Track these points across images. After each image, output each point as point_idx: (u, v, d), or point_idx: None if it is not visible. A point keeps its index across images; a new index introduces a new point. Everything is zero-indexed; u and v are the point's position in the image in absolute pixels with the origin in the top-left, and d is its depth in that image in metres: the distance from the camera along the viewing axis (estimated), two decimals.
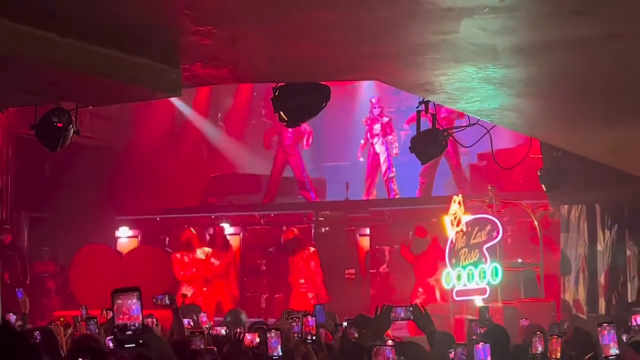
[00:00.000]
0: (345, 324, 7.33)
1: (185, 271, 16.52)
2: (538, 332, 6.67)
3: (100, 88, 6.19)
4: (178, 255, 16.66)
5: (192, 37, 5.50)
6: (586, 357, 5.43)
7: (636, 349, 6.51)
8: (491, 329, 7.46)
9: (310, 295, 15.69)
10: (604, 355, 5.24)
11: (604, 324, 5.20)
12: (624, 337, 7.42)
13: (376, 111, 18.46)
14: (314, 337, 6.36)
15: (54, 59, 5.42)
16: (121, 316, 3.16)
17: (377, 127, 18.43)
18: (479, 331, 7.72)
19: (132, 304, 3.17)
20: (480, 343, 5.49)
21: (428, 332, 5.79)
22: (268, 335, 5.92)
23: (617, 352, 5.14)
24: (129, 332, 3.15)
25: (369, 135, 18.56)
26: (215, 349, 6.13)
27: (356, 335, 6.82)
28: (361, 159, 18.97)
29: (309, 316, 6.47)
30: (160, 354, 3.33)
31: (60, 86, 6.07)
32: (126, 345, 3.16)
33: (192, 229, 17.11)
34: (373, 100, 18.51)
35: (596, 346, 6.42)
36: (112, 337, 3.25)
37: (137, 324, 3.15)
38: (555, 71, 6.32)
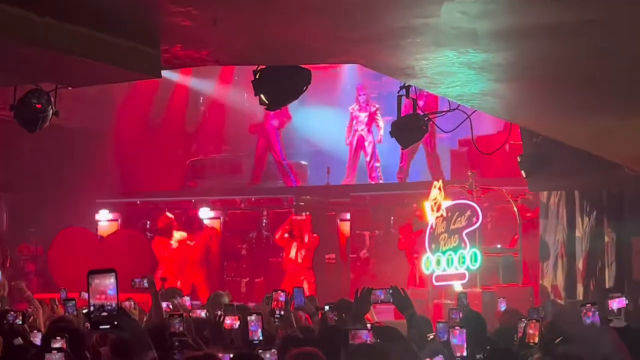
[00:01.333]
0: (327, 308, 7.35)
1: (166, 255, 16.52)
2: (523, 319, 6.72)
3: (79, 69, 6.15)
4: (160, 239, 16.66)
5: (172, 18, 5.47)
6: (556, 341, 5.47)
7: None
8: (467, 315, 7.51)
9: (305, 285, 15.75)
10: None
11: (587, 305, 5.26)
12: None
13: (362, 99, 18.42)
14: (281, 313, 6.37)
15: (32, 39, 5.37)
16: (97, 296, 3.15)
17: (363, 115, 18.41)
18: (458, 317, 7.77)
19: (109, 284, 3.17)
20: (457, 328, 5.54)
21: (407, 314, 5.82)
22: (248, 319, 5.92)
23: None
24: (105, 313, 3.14)
25: (354, 122, 18.54)
26: (187, 338, 6.10)
27: (335, 319, 6.85)
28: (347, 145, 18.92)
29: (279, 291, 6.47)
30: (134, 336, 3.33)
31: (38, 66, 6.02)
32: (101, 327, 3.16)
33: (168, 213, 17.08)
34: (363, 87, 18.48)
35: (574, 330, 6.47)
36: (87, 317, 3.25)
37: (113, 305, 3.15)
38: (534, 56, 6.34)
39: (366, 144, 18.42)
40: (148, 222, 18.64)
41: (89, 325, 3.32)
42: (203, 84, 20.50)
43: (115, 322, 3.15)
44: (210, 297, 10.09)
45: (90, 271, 3.18)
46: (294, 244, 16.31)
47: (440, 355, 5.07)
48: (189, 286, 16.22)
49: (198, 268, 16.95)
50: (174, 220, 16.91)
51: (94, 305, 3.13)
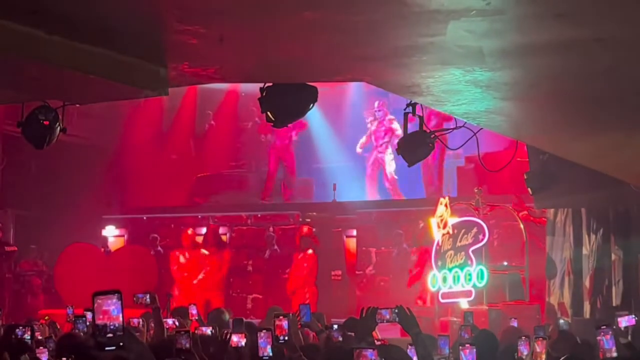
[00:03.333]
0: (335, 327, 7.31)
1: (182, 269, 16.48)
2: (524, 337, 6.71)
3: (87, 86, 6.18)
4: (177, 253, 16.57)
5: (180, 36, 5.50)
6: (562, 359, 5.45)
7: None
8: (479, 333, 7.49)
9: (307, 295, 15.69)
10: (600, 357, 5.26)
11: (603, 327, 5.23)
12: None
13: (379, 114, 18.34)
14: (285, 339, 6.37)
15: (40, 56, 5.40)
16: (101, 317, 3.18)
17: (381, 130, 18.34)
18: (466, 335, 7.75)
19: (113, 305, 3.20)
20: (467, 346, 5.52)
21: (412, 333, 5.80)
22: (258, 335, 5.91)
23: (616, 354, 5.17)
24: (110, 335, 3.17)
25: (373, 138, 18.43)
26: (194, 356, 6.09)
27: (340, 338, 6.82)
28: (363, 155, 18.78)
29: (281, 317, 6.46)
30: (139, 357, 3.35)
31: (46, 83, 6.06)
32: (107, 348, 3.19)
33: (190, 229, 17.05)
34: (376, 104, 18.41)
35: (578, 348, 6.46)
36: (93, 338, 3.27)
37: (116, 325, 3.18)
38: (541, 75, 6.35)
39: (387, 160, 18.35)
40: (158, 238, 18.61)
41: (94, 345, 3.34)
42: (210, 100, 20.57)
43: (121, 343, 3.18)
44: (210, 314, 10.09)
45: (95, 292, 3.22)
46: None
47: None
48: (204, 301, 16.12)
49: (214, 283, 16.89)
50: (194, 236, 16.85)
51: (98, 326, 3.16)
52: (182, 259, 16.52)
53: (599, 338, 5.26)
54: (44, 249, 17.95)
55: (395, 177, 18.11)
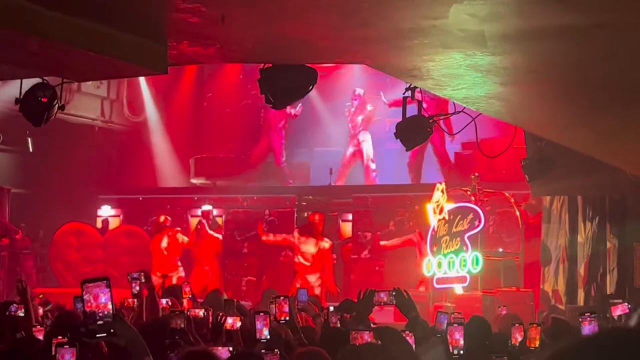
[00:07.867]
0: (332, 308, 7.31)
1: (174, 253, 16.42)
2: (517, 324, 6.72)
3: (86, 63, 6.15)
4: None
5: (181, 14, 5.47)
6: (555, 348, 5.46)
7: None
8: (472, 319, 7.50)
9: (315, 282, 15.54)
10: None
11: (586, 314, 5.23)
12: None
13: (356, 103, 18.46)
14: (287, 319, 6.37)
15: (40, 32, 5.38)
16: (89, 304, 3.18)
17: (359, 119, 18.50)
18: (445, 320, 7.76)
19: (101, 292, 3.20)
20: (455, 324, 5.54)
21: (410, 316, 5.80)
22: (256, 317, 5.91)
23: None
24: (100, 322, 3.17)
25: (350, 126, 18.65)
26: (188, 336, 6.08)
27: (338, 324, 6.83)
28: (349, 149, 18.93)
29: (281, 298, 6.44)
30: (130, 342, 3.35)
31: (46, 60, 6.02)
32: (97, 335, 3.19)
33: (162, 216, 16.94)
34: (357, 92, 18.51)
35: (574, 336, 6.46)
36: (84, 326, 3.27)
37: (106, 313, 3.18)
38: (541, 60, 6.34)
39: (365, 147, 18.48)
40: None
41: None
42: (208, 81, 20.52)
43: (112, 330, 3.18)
44: (208, 295, 10.07)
45: (84, 280, 3.22)
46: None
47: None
48: (202, 286, 16.08)
49: (212, 267, 16.84)
50: (166, 221, 16.72)
51: (88, 313, 3.16)
52: (164, 244, 16.36)
53: (580, 324, 5.26)
54: (38, 228, 17.93)
55: (374, 162, 18.24)
